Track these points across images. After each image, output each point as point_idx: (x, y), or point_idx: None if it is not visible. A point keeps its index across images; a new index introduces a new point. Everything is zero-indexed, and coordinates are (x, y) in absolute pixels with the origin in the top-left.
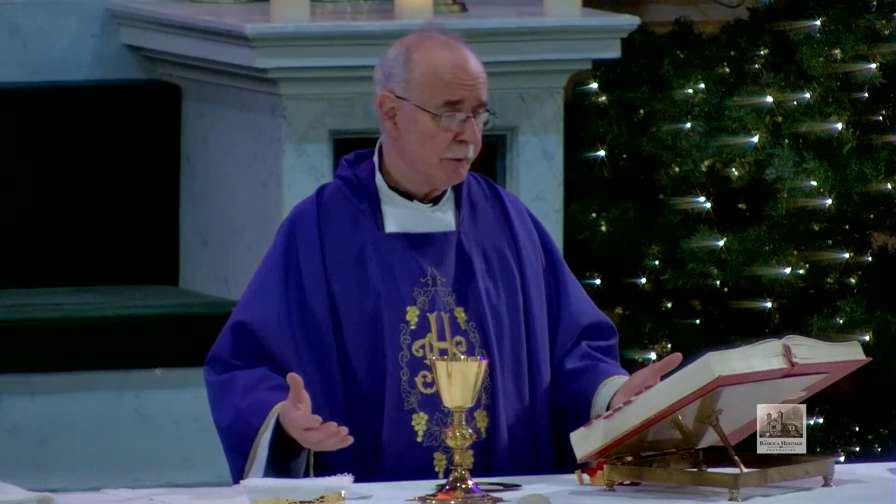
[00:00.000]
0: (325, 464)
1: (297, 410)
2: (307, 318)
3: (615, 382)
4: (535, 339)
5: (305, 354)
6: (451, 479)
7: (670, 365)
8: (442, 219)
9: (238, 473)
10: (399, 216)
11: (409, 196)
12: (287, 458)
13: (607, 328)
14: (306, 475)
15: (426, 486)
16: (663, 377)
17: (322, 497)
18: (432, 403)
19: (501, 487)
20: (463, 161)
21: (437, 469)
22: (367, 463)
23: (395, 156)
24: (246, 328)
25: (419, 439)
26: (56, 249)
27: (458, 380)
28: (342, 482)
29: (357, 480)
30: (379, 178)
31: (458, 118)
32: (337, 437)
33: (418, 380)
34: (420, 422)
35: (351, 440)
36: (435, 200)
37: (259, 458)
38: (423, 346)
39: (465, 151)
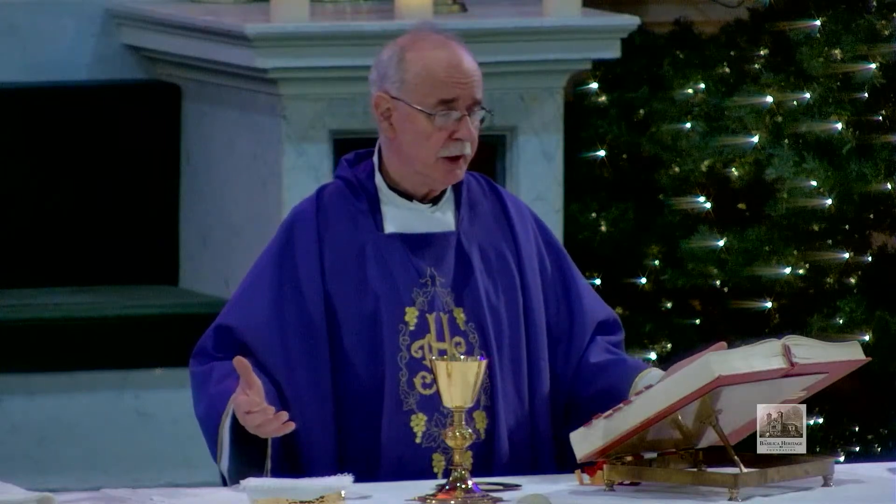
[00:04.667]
0: (325, 464)
1: (243, 395)
2: (301, 319)
3: (653, 374)
4: (534, 340)
5: (296, 356)
6: (451, 479)
7: None
8: (441, 219)
9: (216, 462)
10: (398, 216)
11: (408, 196)
12: (252, 445)
13: (616, 324)
14: (274, 464)
15: (426, 486)
16: None
17: (322, 497)
18: (431, 404)
19: (501, 487)
20: (460, 160)
21: (435, 470)
22: (365, 464)
23: (392, 156)
24: (228, 331)
25: (418, 440)
26: (56, 249)
27: (458, 380)
28: (342, 482)
29: (356, 481)
30: (378, 179)
31: (452, 117)
32: (277, 422)
33: (417, 381)
34: (419, 423)
35: (292, 426)
36: (434, 201)
37: (224, 444)
38: (422, 347)
39: (461, 148)
